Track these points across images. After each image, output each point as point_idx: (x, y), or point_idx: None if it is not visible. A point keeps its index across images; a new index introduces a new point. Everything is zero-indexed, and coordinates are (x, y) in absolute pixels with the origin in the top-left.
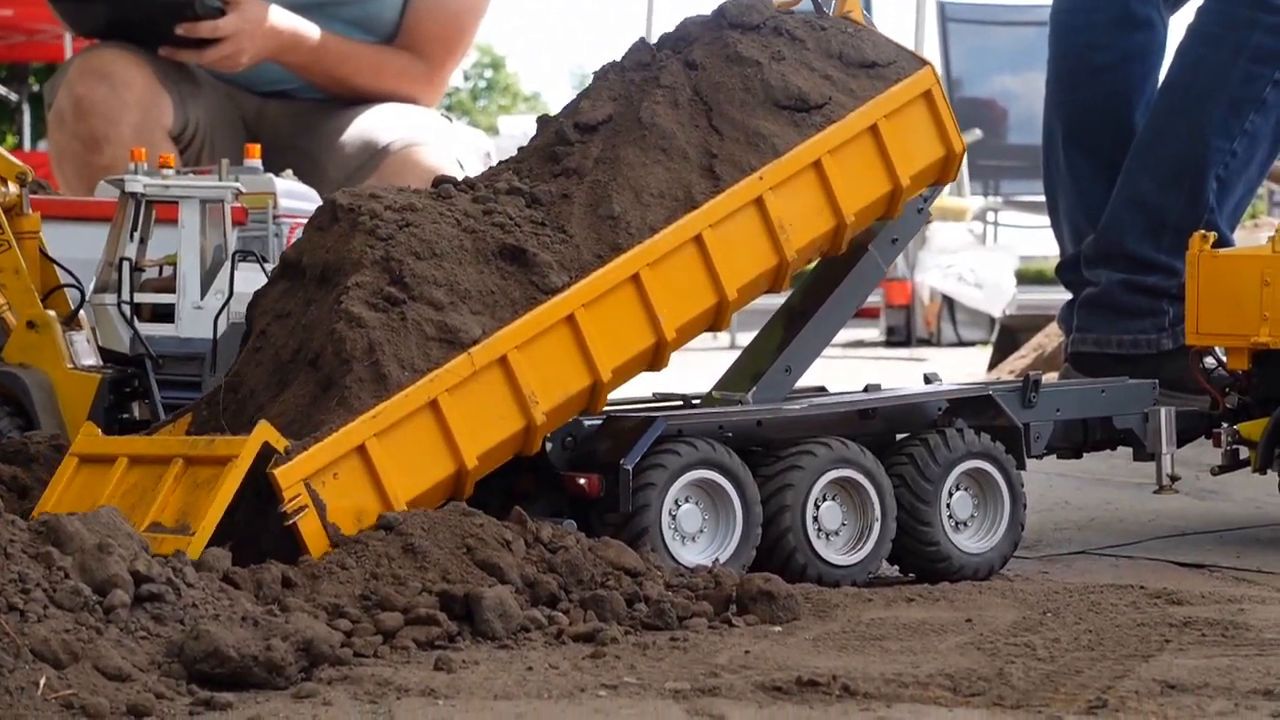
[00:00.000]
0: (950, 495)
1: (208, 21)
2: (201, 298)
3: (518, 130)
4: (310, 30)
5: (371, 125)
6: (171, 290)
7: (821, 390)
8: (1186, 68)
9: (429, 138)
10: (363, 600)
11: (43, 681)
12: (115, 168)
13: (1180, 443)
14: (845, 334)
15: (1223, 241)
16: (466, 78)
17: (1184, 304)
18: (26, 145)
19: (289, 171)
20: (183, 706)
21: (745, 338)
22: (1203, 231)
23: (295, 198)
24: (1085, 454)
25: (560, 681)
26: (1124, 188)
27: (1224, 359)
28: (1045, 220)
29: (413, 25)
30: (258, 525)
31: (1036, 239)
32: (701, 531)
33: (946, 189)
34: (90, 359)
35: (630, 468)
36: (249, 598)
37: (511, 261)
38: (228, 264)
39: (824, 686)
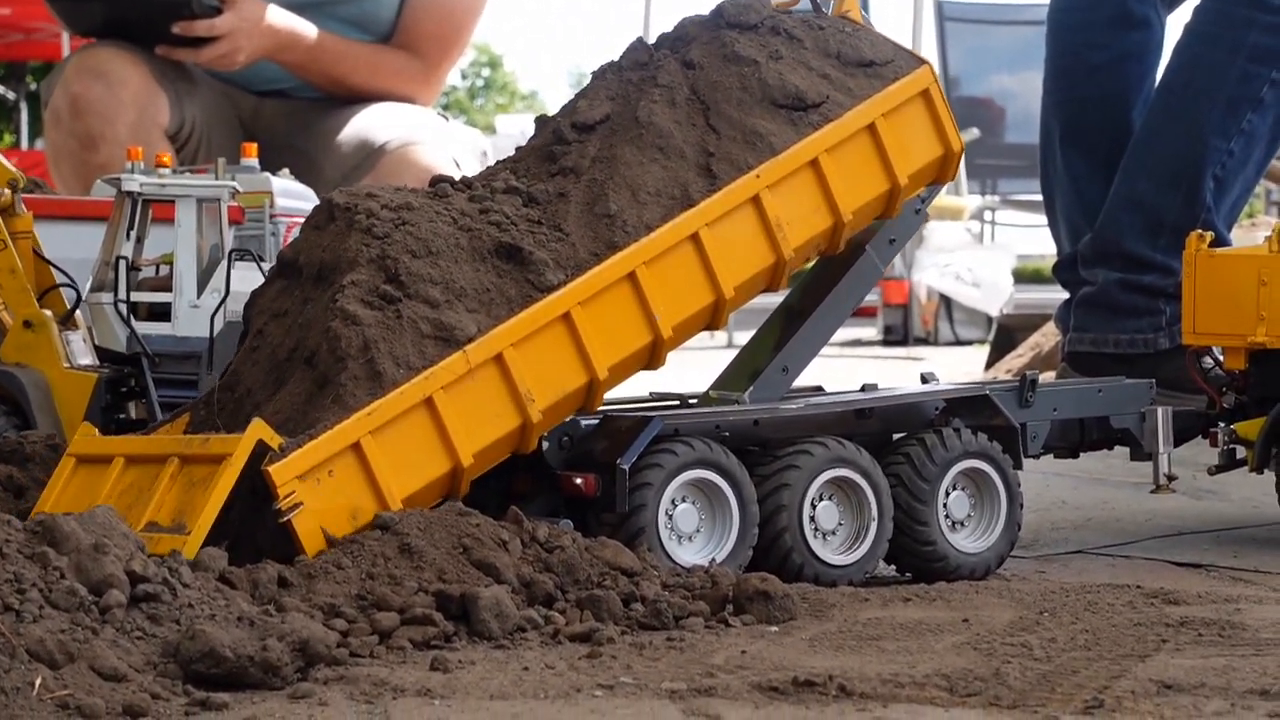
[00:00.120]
0: (947, 495)
1: (204, 20)
2: (198, 297)
3: (515, 129)
4: (307, 29)
5: (368, 124)
6: (168, 289)
7: (818, 390)
8: (1184, 67)
9: (426, 137)
10: (359, 600)
11: (38, 682)
12: (111, 166)
13: (1177, 442)
14: (842, 333)
15: (1220, 241)
16: (464, 76)
17: (1181, 303)
18: (24, 144)
19: (286, 170)
20: (178, 707)
21: (743, 336)
22: (1200, 231)
23: (292, 197)
24: (1082, 453)
25: (556, 681)
26: (1121, 187)
27: (1221, 358)
28: (1042, 219)
29: (410, 24)
30: (254, 523)
31: (1034, 238)
32: (698, 531)
33: (944, 188)
34: (87, 358)
35: (627, 467)
36: (245, 598)
37: (507, 260)
38: (224, 263)
39: (820, 686)
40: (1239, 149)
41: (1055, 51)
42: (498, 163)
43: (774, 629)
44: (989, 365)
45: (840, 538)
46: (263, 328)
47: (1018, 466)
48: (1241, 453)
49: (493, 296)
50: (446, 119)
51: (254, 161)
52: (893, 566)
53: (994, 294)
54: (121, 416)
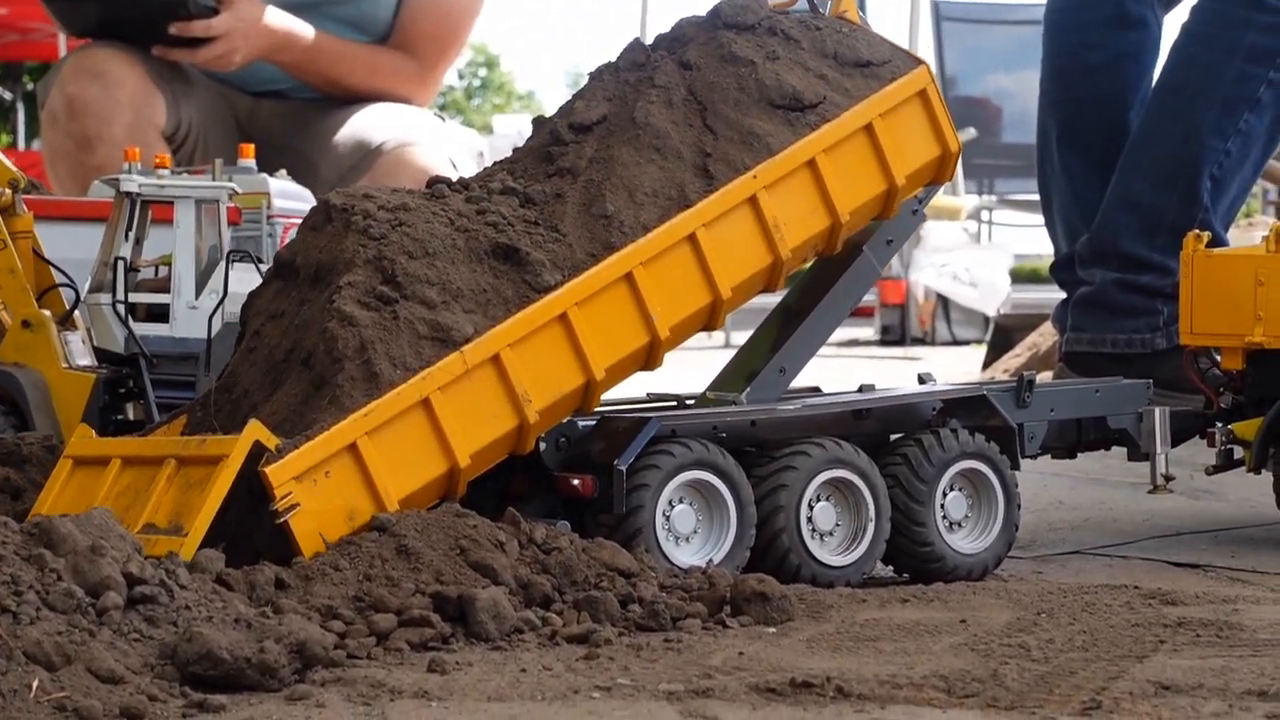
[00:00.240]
0: (944, 496)
1: (201, 21)
2: (196, 298)
3: (512, 130)
4: (304, 29)
5: (365, 125)
6: (166, 290)
7: (816, 390)
8: (1180, 67)
9: (422, 137)
10: (356, 602)
11: (35, 684)
12: (108, 167)
13: (1175, 442)
14: (840, 333)
15: (1217, 241)
16: (461, 77)
17: (1178, 303)
18: (21, 145)
19: (283, 171)
20: (176, 709)
21: (740, 337)
22: (1197, 231)
23: (289, 198)
24: (1080, 454)
25: (554, 683)
26: (1118, 187)
27: (1219, 358)
28: (1040, 219)
29: (407, 24)
30: (251, 525)
31: (1031, 238)
32: (695, 532)
33: (941, 188)
34: (85, 359)
35: (624, 468)
36: (242, 599)
37: (504, 260)
38: (222, 264)
39: (818, 688)
40: (1236, 149)
41: (1052, 51)
42: (495, 163)
43: (771, 630)
44: (986, 365)
45: (838, 539)
46: (260, 329)
47: (1015, 467)
48: (1239, 453)
49: (490, 297)
50: (443, 119)
51: (251, 162)
52: (890, 567)
53: (991, 294)
54: (119, 417)
